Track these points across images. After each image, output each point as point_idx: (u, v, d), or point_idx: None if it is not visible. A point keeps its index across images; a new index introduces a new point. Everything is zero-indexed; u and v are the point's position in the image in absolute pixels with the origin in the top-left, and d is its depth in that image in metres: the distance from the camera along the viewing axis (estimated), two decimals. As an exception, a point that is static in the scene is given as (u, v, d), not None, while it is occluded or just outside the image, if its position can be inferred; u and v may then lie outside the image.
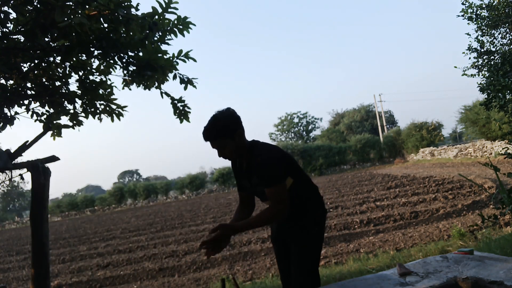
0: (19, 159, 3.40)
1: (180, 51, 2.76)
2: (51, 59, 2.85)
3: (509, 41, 6.08)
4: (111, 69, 3.05)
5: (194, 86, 2.93)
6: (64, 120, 3.29)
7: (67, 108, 3.21)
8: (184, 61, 2.80)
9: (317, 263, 2.08)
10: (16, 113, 3.11)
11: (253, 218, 1.98)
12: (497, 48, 6.02)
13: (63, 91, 3.09)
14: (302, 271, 2.00)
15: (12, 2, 2.23)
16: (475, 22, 6.01)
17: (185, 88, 2.94)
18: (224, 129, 1.94)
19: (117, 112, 3.23)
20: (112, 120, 3.26)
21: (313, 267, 2.03)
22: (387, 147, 30.17)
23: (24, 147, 3.32)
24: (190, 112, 3.12)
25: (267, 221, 1.95)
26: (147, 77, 2.76)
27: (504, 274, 1.58)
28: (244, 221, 2.00)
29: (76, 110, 3.23)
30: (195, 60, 2.80)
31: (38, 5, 2.22)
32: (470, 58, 6.14)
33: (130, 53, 2.60)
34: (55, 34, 2.39)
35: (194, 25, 2.62)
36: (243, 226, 1.96)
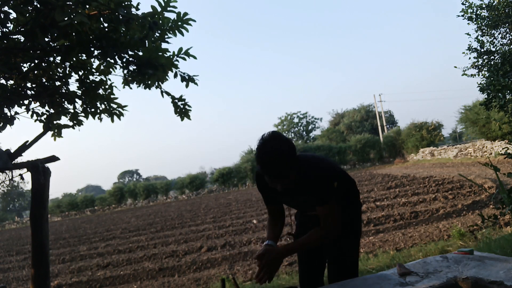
0: (19, 159, 3.40)
1: (180, 49, 2.76)
2: (51, 59, 2.85)
3: (509, 41, 6.08)
4: (111, 69, 3.05)
5: (196, 84, 2.93)
6: (64, 120, 3.29)
7: (67, 108, 3.21)
8: (184, 59, 2.80)
9: (358, 257, 2.12)
10: (16, 113, 3.11)
11: (304, 239, 1.88)
12: (497, 48, 6.02)
13: (63, 91, 3.09)
14: (347, 265, 2.02)
15: (12, 2, 2.23)
16: (475, 22, 6.01)
17: (187, 86, 2.93)
18: (291, 165, 1.73)
19: (117, 112, 3.23)
20: (112, 120, 3.26)
21: (356, 260, 2.08)
22: (387, 147, 30.18)
23: (24, 147, 3.32)
24: (190, 110, 3.12)
25: (319, 241, 1.88)
26: (148, 76, 2.76)
27: (504, 274, 1.57)
28: (294, 243, 1.90)
29: (76, 110, 3.23)
30: (195, 58, 2.79)
31: (38, 5, 2.22)
32: (470, 58, 6.14)
33: (130, 52, 2.60)
34: (55, 34, 2.39)
35: (194, 21, 2.61)
36: (293, 249, 1.87)
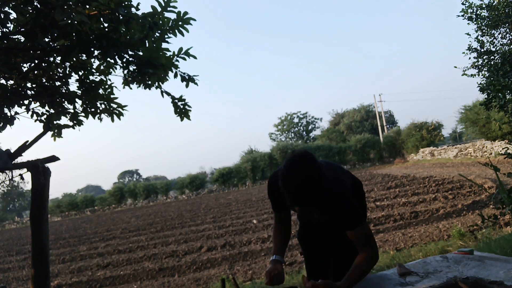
0: (19, 159, 3.40)
1: (181, 49, 2.76)
2: (51, 59, 2.85)
3: (509, 41, 6.08)
4: (111, 69, 3.05)
5: (196, 83, 2.93)
6: (64, 120, 3.30)
7: (67, 108, 3.21)
8: (184, 59, 2.80)
9: None
10: (16, 113, 3.11)
11: (355, 274, 1.69)
12: (497, 48, 6.02)
13: (63, 91, 3.09)
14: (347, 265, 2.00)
15: (12, 2, 2.23)
16: (475, 22, 6.01)
17: (187, 86, 2.94)
18: (319, 191, 1.60)
19: (117, 111, 3.24)
20: (112, 120, 3.26)
21: None
22: (387, 147, 30.19)
23: (24, 147, 3.32)
24: (190, 110, 3.13)
25: (369, 271, 1.75)
26: (148, 76, 2.76)
27: (504, 274, 1.57)
28: (347, 279, 1.68)
29: (76, 110, 3.23)
30: (195, 57, 2.79)
31: (38, 5, 2.22)
32: (470, 58, 6.14)
33: (130, 52, 2.60)
34: (55, 34, 2.39)
35: (194, 20, 2.61)
36: (347, 285, 1.68)
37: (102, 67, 3.06)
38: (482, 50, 6.01)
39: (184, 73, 2.89)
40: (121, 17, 2.33)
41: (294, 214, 2.27)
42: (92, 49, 2.46)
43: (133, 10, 2.40)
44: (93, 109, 3.21)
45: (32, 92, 3.05)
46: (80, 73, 3.02)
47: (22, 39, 2.61)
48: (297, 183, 1.55)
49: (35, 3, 2.24)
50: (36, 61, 2.82)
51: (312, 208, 1.87)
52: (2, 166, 3.02)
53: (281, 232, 2.06)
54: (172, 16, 2.56)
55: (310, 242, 2.21)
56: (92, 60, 2.91)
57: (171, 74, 2.88)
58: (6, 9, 2.26)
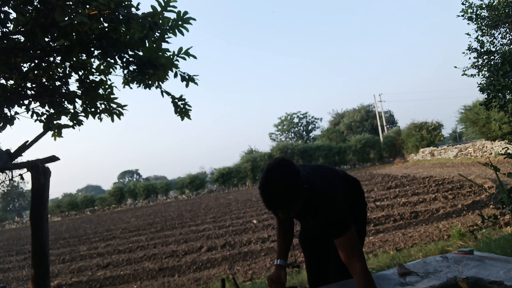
0: (19, 159, 3.40)
1: (180, 49, 2.76)
2: (51, 59, 2.85)
3: (509, 41, 6.08)
4: (111, 69, 3.05)
5: (196, 83, 2.93)
6: (64, 120, 3.29)
7: (67, 108, 3.21)
8: (184, 59, 2.80)
9: None
10: (16, 113, 3.11)
11: None
12: (497, 48, 6.02)
13: (63, 91, 3.09)
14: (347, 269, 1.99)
15: (12, 2, 2.23)
16: (475, 22, 6.01)
17: (187, 86, 2.94)
18: (294, 196, 1.62)
19: (117, 111, 3.23)
20: (112, 119, 3.26)
21: None
22: (387, 147, 30.19)
23: (24, 147, 3.32)
24: (190, 110, 3.13)
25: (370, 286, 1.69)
26: (148, 76, 2.76)
27: (504, 274, 1.57)
28: None
29: (76, 110, 3.23)
30: (195, 57, 2.80)
31: (38, 5, 2.22)
32: (470, 58, 6.14)
33: (130, 52, 2.60)
34: (55, 34, 2.39)
35: (194, 19, 2.61)
36: None
37: (102, 67, 3.06)
38: (482, 50, 6.01)
39: (184, 73, 2.89)
40: (121, 17, 2.33)
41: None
42: (92, 49, 2.46)
43: (133, 10, 2.40)
44: (93, 109, 3.21)
45: (32, 92, 3.05)
46: (80, 73, 3.02)
47: (22, 39, 2.61)
48: (273, 190, 1.59)
49: (35, 3, 2.24)
50: (36, 61, 2.82)
51: (296, 214, 1.87)
52: (2, 166, 3.02)
53: (284, 233, 2.06)
54: (172, 15, 2.56)
55: (310, 244, 2.21)
56: (92, 60, 2.91)
57: (171, 74, 2.88)
58: (6, 9, 2.26)
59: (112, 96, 3.16)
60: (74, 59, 2.86)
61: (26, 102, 3.12)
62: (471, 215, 6.55)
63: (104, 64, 3.01)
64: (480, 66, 6.00)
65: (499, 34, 6.11)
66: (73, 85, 3.10)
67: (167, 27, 2.59)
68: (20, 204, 54.18)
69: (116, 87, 3.15)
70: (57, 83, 3.07)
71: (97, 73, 3.08)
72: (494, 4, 5.77)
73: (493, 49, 6.03)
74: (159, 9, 2.50)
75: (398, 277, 1.81)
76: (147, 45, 2.60)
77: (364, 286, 1.62)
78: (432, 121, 27.77)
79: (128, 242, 9.60)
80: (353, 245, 1.69)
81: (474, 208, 7.05)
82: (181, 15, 2.56)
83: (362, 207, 2.12)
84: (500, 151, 3.68)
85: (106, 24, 2.46)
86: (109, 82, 3.13)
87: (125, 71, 2.80)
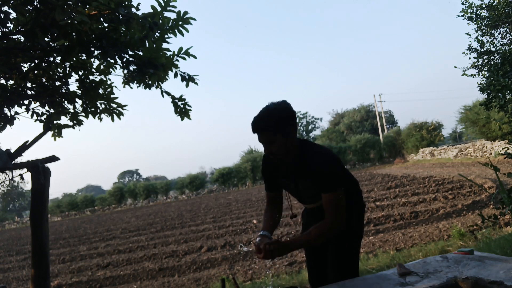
0: (19, 159, 3.41)
1: (180, 49, 2.76)
2: (51, 59, 2.85)
3: (509, 41, 6.09)
4: (111, 69, 3.05)
5: (196, 83, 2.93)
6: (64, 120, 3.30)
7: (67, 108, 3.21)
8: (185, 59, 2.80)
9: (358, 258, 2.10)
10: (16, 113, 3.11)
11: (309, 234, 1.77)
12: (497, 48, 6.02)
13: (63, 91, 3.09)
14: (345, 268, 1.99)
15: (12, 2, 2.23)
16: (475, 22, 6.02)
17: (187, 86, 2.94)
18: (276, 122, 1.74)
19: (117, 111, 3.24)
20: (113, 119, 3.26)
21: (355, 264, 2.05)
22: (387, 147, 30.18)
23: (24, 147, 3.32)
24: (190, 110, 3.13)
25: (326, 236, 1.78)
26: (148, 76, 2.76)
27: (504, 274, 1.57)
28: (299, 239, 1.80)
29: (76, 110, 3.23)
30: (195, 57, 2.80)
31: (38, 5, 2.22)
32: (470, 58, 6.15)
33: (130, 52, 2.61)
34: (55, 34, 2.39)
35: (194, 19, 2.61)
36: (298, 245, 1.80)
37: (102, 67, 3.06)
38: (482, 50, 6.01)
39: (184, 73, 2.90)
40: (121, 17, 2.33)
41: (287, 209, 2.27)
42: (92, 49, 2.46)
43: (133, 10, 2.40)
44: (93, 109, 3.21)
45: (32, 92, 3.05)
46: (80, 73, 3.02)
47: (22, 39, 2.61)
48: (261, 113, 1.77)
49: (35, 3, 2.24)
50: (36, 61, 2.82)
51: (285, 179, 1.93)
52: (2, 166, 3.02)
53: (271, 214, 2.09)
54: (172, 16, 2.57)
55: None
56: (92, 60, 2.91)
57: (171, 74, 2.89)
58: (6, 9, 2.26)
59: (112, 96, 3.16)
60: (74, 59, 2.86)
61: (26, 102, 3.12)
62: (471, 215, 6.56)
63: (104, 64, 3.01)
64: (480, 66, 6.01)
65: (499, 34, 6.12)
66: (73, 85, 3.11)
67: (167, 27, 2.59)
68: (20, 204, 54.19)
69: (116, 87, 3.16)
70: (57, 83, 3.07)
71: (97, 73, 3.08)
72: (494, 4, 5.77)
73: (493, 49, 6.03)
74: (159, 9, 2.50)
75: (398, 277, 1.81)
76: (147, 45, 2.60)
77: (319, 230, 1.74)
78: (432, 121, 27.78)
79: (128, 242, 9.60)
80: (340, 206, 1.75)
81: (474, 208, 7.05)
82: (181, 15, 2.56)
83: (358, 204, 2.11)
84: (500, 151, 3.68)
85: (106, 24, 2.46)
86: (109, 82, 3.13)
87: (125, 71, 2.80)
